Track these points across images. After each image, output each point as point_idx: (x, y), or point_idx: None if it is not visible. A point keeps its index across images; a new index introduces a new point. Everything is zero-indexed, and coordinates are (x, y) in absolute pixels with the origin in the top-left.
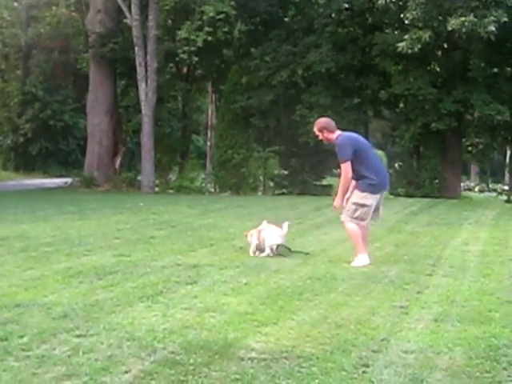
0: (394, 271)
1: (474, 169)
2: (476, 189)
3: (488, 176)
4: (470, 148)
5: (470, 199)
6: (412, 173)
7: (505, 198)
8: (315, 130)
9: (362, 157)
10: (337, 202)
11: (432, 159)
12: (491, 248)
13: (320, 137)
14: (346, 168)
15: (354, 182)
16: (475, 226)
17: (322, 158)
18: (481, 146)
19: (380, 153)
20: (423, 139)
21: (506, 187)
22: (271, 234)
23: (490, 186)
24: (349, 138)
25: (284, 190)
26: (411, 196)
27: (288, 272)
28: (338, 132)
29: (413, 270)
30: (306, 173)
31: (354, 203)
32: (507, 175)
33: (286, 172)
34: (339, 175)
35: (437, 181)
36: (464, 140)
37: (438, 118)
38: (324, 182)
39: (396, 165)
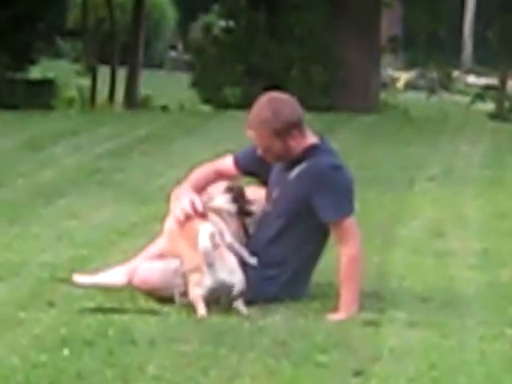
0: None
1: None
2: (403, 81)
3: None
4: None
5: (406, 113)
6: (260, 49)
7: (481, 105)
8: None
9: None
10: None
11: (308, 15)
12: (507, 241)
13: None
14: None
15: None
16: (450, 183)
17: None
18: None
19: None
20: None
21: (484, 80)
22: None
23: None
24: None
25: None
26: None
27: None
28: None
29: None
30: None
31: None
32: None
33: None
34: None
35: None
36: None
37: None
38: (33, 75)
39: (217, 30)
